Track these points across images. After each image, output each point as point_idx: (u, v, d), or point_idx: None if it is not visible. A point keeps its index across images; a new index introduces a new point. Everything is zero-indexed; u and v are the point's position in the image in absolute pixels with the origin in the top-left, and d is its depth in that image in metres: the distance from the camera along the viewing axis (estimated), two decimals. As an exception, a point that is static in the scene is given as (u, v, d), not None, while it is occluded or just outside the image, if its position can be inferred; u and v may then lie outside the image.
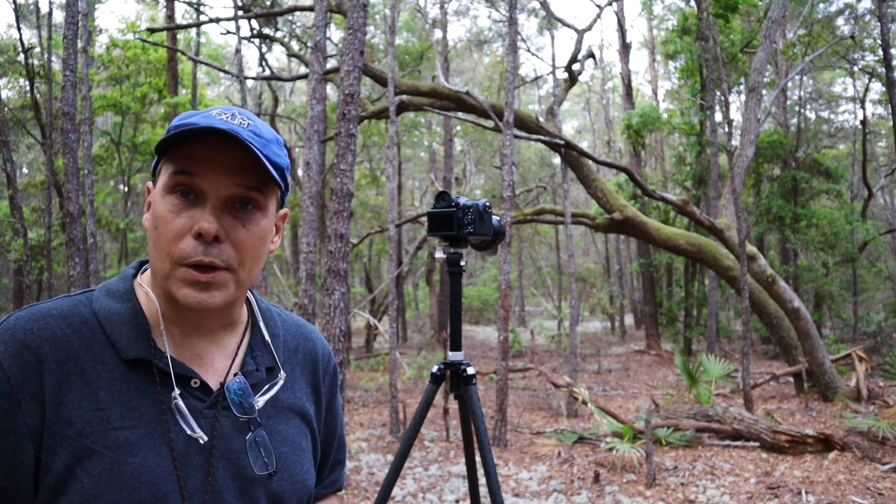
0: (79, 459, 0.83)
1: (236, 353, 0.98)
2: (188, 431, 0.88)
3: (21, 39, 10.78)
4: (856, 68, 15.90)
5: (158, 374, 0.89)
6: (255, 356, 1.00)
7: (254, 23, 13.17)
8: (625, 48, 16.96)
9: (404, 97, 9.49)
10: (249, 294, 1.06)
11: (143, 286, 0.95)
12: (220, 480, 0.89)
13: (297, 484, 0.97)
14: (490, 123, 10.10)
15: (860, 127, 16.94)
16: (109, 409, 0.86)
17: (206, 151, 0.87)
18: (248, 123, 0.89)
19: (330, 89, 13.90)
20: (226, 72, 12.33)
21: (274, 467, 0.93)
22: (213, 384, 0.94)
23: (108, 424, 0.85)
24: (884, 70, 8.85)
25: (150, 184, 0.96)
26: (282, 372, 1.00)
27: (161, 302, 0.93)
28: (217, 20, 10.73)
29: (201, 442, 0.88)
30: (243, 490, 0.91)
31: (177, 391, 0.89)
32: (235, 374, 0.95)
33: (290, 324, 1.10)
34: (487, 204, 2.02)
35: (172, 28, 11.62)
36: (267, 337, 1.02)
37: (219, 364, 0.96)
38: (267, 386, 0.98)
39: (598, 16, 12.49)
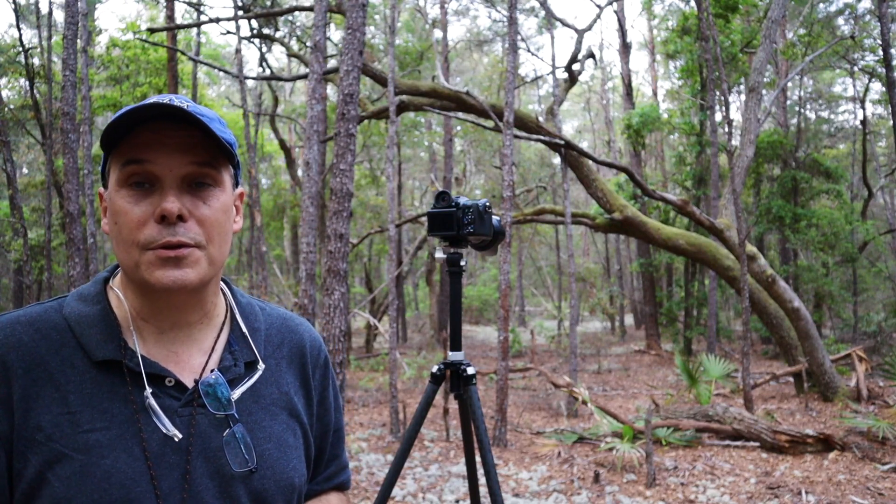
0: (49, 464, 0.82)
1: (212, 349, 0.97)
2: (162, 429, 0.86)
3: (21, 39, 10.79)
4: (856, 68, 15.89)
5: (129, 375, 0.88)
6: (233, 351, 0.98)
7: (254, 23, 13.17)
8: (625, 48, 16.95)
9: (404, 97, 9.49)
10: (227, 288, 1.04)
11: (115, 289, 0.95)
12: (197, 480, 0.88)
13: (282, 481, 0.95)
14: (490, 123, 10.10)
15: (860, 127, 16.94)
16: (79, 412, 0.85)
17: (153, 136, 0.87)
18: (188, 104, 0.89)
19: (330, 89, 13.90)
20: (226, 72, 12.34)
21: (255, 464, 0.91)
22: (189, 382, 0.92)
23: (77, 427, 0.84)
24: (884, 70, 8.84)
25: (101, 189, 0.95)
26: (260, 363, 0.98)
27: (135, 298, 0.92)
28: (217, 20, 10.73)
29: (176, 440, 0.87)
30: (223, 489, 0.89)
31: (148, 390, 0.87)
32: (212, 371, 0.94)
33: (275, 317, 1.08)
34: (487, 204, 2.02)
35: (172, 28, 11.62)
36: (245, 331, 1.00)
37: (195, 361, 0.95)
38: (245, 379, 0.96)
39: (598, 16, 12.49)
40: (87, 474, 0.82)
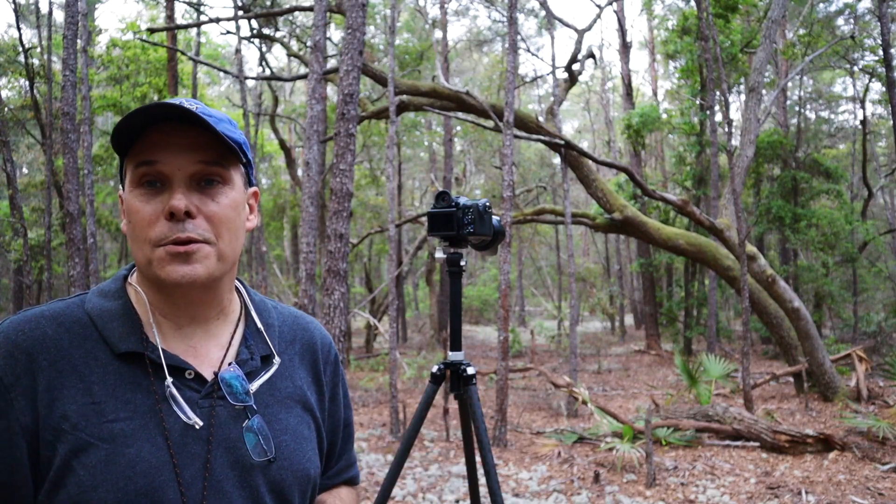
0: (75, 453, 0.85)
1: (230, 344, 1.00)
2: (183, 418, 0.89)
3: (21, 39, 10.79)
4: (856, 68, 15.89)
5: (151, 366, 0.91)
6: (249, 346, 1.01)
7: (254, 23, 13.17)
8: (625, 48, 16.95)
9: (404, 97, 9.49)
10: (241, 286, 1.07)
11: (134, 285, 0.98)
12: (217, 469, 0.90)
13: (298, 472, 0.98)
14: (490, 123, 10.09)
15: (860, 127, 16.94)
16: (104, 402, 0.87)
17: (162, 137, 0.91)
18: (197, 106, 0.92)
19: (330, 89, 13.90)
20: (226, 72, 12.34)
21: (273, 454, 0.94)
22: (208, 375, 0.95)
23: (102, 417, 0.87)
24: (884, 70, 8.84)
25: (120, 191, 0.99)
26: (276, 357, 1.01)
27: (152, 294, 0.95)
28: (217, 20, 10.73)
29: (197, 427, 0.90)
30: (242, 478, 0.92)
31: (169, 380, 0.90)
32: (230, 364, 0.97)
33: (287, 315, 1.11)
34: (487, 204, 2.02)
35: (172, 28, 11.62)
36: (260, 326, 1.04)
37: (213, 355, 0.98)
38: (262, 372, 0.99)
39: (598, 16, 12.49)
40: (112, 463, 0.85)
